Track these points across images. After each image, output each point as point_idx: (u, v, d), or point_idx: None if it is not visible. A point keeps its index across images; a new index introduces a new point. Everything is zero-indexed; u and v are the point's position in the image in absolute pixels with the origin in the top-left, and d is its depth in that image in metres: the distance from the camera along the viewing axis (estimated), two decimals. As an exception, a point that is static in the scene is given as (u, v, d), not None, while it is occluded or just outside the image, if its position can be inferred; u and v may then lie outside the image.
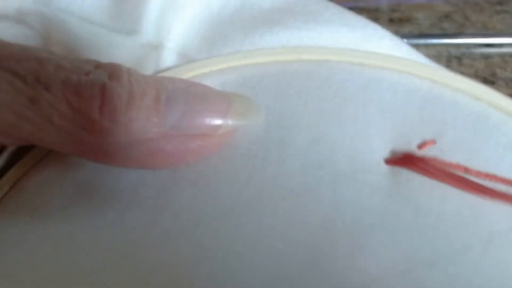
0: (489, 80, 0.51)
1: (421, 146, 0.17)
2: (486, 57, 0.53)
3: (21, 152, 0.18)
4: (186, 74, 0.18)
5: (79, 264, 0.16)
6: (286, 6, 0.19)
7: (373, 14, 0.62)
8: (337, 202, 0.16)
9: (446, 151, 0.17)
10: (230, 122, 0.16)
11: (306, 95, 0.18)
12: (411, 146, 0.17)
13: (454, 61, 0.53)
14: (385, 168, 0.17)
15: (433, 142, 0.17)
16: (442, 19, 0.61)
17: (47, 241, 0.16)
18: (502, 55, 0.54)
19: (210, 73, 0.18)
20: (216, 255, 0.16)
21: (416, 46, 0.64)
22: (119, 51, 0.18)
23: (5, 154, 0.18)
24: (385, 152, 0.17)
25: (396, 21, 0.61)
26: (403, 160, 0.16)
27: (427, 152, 0.17)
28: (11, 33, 0.19)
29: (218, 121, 0.16)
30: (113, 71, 0.15)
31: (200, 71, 0.18)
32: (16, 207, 0.17)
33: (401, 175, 0.16)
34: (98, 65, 0.15)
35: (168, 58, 0.19)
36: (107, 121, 0.14)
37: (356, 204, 0.16)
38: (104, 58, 0.15)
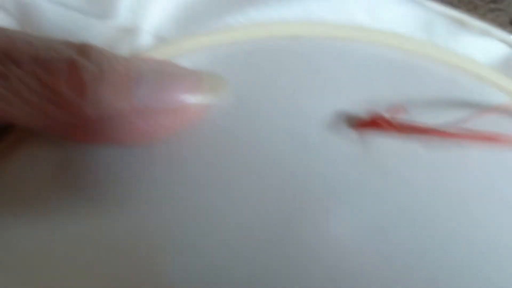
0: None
1: (390, 111, 0.17)
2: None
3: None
4: (159, 54, 0.18)
5: (53, 240, 0.16)
6: None
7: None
8: (308, 170, 0.16)
9: (416, 115, 0.17)
10: (201, 99, 0.16)
11: (278, 70, 0.18)
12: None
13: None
14: (355, 135, 0.17)
15: (402, 107, 0.17)
16: (434, 18, 0.62)
17: (26, 223, 0.16)
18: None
19: (182, 52, 0.18)
20: (190, 226, 0.16)
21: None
22: (93, 34, 0.18)
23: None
24: (355, 120, 0.17)
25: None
26: (371, 123, 0.17)
27: (396, 116, 0.17)
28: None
29: (188, 98, 0.16)
30: (82, 48, 0.15)
31: (173, 51, 0.18)
32: None
33: (371, 142, 0.17)
34: (69, 44, 0.15)
35: (143, 41, 0.19)
36: (75, 95, 0.14)
37: (326, 172, 0.16)
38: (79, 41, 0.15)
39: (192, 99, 0.16)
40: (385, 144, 0.17)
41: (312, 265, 0.15)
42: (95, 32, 0.18)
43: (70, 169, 0.17)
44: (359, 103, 0.17)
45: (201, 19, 0.19)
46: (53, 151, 0.17)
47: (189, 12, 0.19)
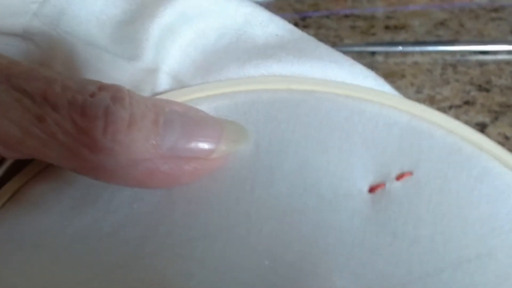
0: (484, 87, 0.52)
1: (399, 177, 0.18)
2: (481, 64, 0.54)
3: (19, 164, 0.19)
4: (182, 97, 0.19)
5: (73, 273, 0.17)
6: (279, 43, 0.20)
7: (368, 21, 0.63)
8: (320, 224, 0.17)
9: (421, 181, 0.18)
10: (223, 147, 0.17)
11: (294, 122, 0.19)
12: (390, 176, 0.18)
13: (449, 68, 0.54)
14: (366, 196, 0.18)
15: (410, 173, 0.18)
16: (437, 26, 0.62)
17: (43, 250, 0.17)
18: (497, 63, 0.55)
19: (204, 97, 0.19)
20: (206, 269, 0.17)
21: (411, 54, 0.64)
22: (120, 74, 0.19)
23: (4, 166, 0.19)
24: (366, 180, 0.18)
25: (392, 28, 0.62)
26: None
27: (404, 182, 0.18)
28: (17, 49, 0.20)
29: (211, 146, 0.17)
30: (115, 93, 0.15)
31: (195, 95, 0.19)
32: (14, 217, 0.18)
33: (380, 203, 0.18)
34: (101, 86, 0.16)
35: (163, 81, 0.20)
36: (109, 141, 0.15)
37: (337, 227, 0.17)
38: (106, 80, 0.16)
39: (215, 148, 0.17)
40: (394, 206, 0.18)
41: None
42: (122, 71, 0.19)
43: (89, 205, 0.18)
44: (369, 162, 0.18)
45: (223, 67, 0.20)
46: (73, 185, 0.18)
47: (211, 59, 0.20)
